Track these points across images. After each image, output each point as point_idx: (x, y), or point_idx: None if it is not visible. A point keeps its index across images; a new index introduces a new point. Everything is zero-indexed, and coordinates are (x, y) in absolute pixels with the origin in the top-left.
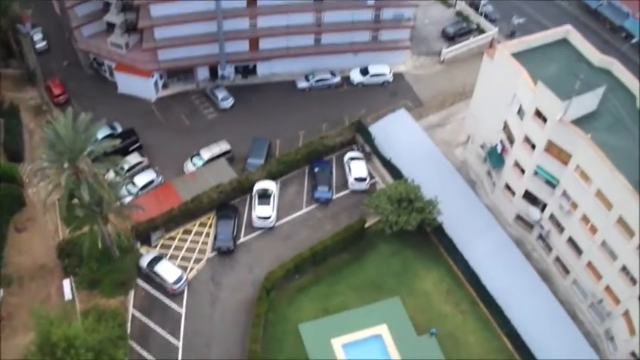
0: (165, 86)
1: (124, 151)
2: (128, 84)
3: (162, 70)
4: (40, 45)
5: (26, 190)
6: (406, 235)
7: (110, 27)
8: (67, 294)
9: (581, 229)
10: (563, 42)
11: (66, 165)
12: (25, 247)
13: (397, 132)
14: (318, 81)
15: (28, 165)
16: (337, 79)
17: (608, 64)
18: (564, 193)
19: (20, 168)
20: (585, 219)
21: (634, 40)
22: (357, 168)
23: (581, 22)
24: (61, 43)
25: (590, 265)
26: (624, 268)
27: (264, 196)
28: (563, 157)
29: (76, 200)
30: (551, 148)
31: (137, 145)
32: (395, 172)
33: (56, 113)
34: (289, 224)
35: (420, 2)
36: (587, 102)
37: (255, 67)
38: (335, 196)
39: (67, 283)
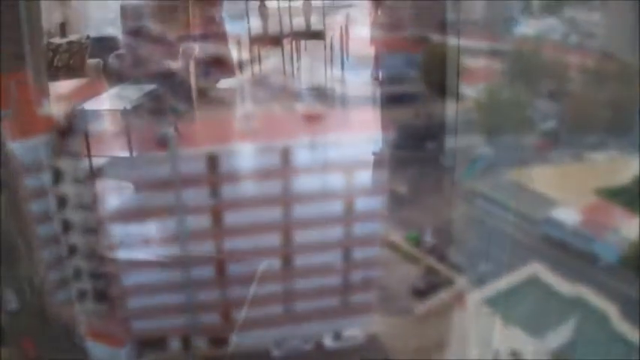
0: None
1: None
2: None
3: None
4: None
5: None
6: None
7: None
8: None
9: None
10: (532, 280)
11: None
12: None
13: None
14: None
15: None
16: None
17: (579, 292)
18: None
19: None
20: None
21: (603, 263)
22: None
23: (548, 255)
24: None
25: None
26: None
27: None
28: None
29: None
30: None
31: None
32: None
33: None
34: None
35: None
36: (561, 335)
37: None
38: None
39: None
